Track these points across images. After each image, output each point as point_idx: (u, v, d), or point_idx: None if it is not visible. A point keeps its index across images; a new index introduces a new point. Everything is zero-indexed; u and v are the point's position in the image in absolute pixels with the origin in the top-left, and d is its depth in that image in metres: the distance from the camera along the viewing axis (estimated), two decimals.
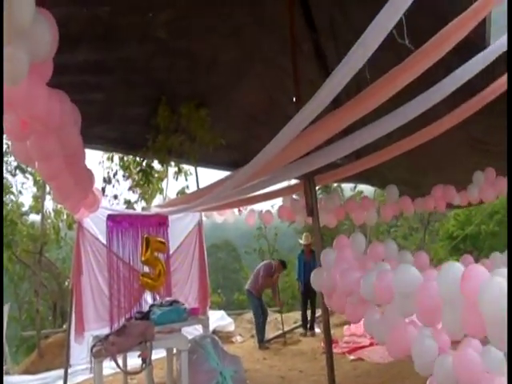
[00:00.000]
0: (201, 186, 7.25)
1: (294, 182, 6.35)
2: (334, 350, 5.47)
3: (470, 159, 6.12)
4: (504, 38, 2.84)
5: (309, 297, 8.84)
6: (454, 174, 6.33)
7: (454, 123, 4.49)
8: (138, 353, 4.20)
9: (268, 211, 7.42)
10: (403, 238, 19.60)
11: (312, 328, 8.97)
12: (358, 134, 4.20)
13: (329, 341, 5.41)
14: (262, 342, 8.21)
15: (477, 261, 5.45)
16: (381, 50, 2.46)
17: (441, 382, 2.79)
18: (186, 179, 7.44)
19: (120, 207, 8.74)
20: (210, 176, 7.80)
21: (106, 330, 5.70)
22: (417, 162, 6.03)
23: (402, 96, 3.46)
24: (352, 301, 3.81)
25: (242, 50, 4.73)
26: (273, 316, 9.39)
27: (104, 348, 4.06)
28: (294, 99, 5.14)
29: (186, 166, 6.96)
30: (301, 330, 9.09)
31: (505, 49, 2.86)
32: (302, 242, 9.25)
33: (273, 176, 4.89)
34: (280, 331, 8.84)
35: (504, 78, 3.68)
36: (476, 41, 3.27)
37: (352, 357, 6.68)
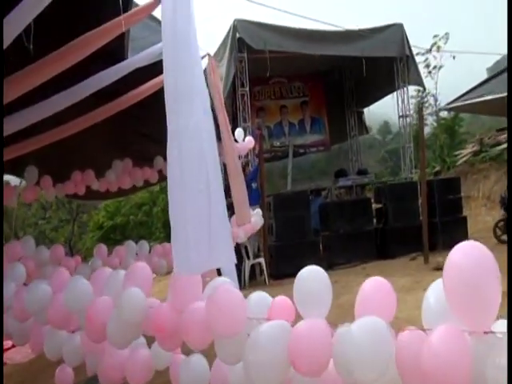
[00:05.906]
0: None
1: None
2: None
3: (111, 154, 6.38)
4: (139, 56, 3.21)
5: None
6: (98, 167, 6.46)
7: (95, 121, 4.63)
8: None
9: None
10: (53, 230, 19.07)
11: None
12: None
13: None
14: None
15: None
16: None
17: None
18: None
19: None
20: None
21: None
22: (63, 154, 5.99)
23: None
24: None
25: None
26: None
27: None
28: None
29: None
30: None
31: (140, 64, 3.25)
32: None
33: None
34: None
35: (142, 87, 4.09)
36: (116, 51, 3.53)
37: None
